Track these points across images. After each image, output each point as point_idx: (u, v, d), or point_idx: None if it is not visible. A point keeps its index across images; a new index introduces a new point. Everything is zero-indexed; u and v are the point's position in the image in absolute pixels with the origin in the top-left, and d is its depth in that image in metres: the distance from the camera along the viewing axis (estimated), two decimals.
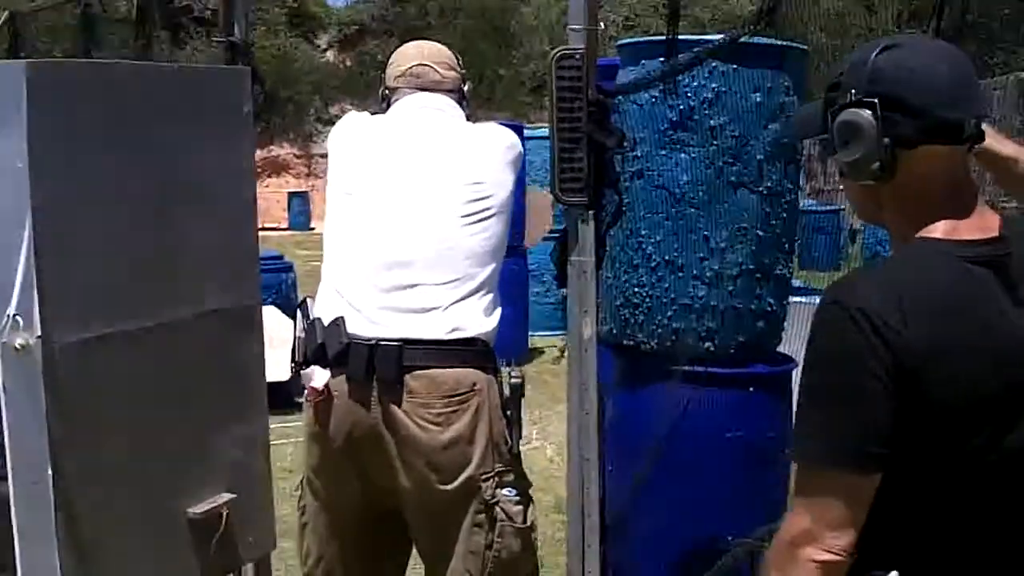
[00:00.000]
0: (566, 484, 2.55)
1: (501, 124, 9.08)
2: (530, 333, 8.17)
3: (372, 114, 2.51)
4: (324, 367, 2.28)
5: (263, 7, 22.41)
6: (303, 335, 2.33)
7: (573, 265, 2.44)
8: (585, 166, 2.39)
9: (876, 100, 1.33)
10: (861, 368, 1.29)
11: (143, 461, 2.13)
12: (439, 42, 2.66)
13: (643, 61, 2.85)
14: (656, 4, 25.07)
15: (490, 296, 2.29)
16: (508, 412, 2.28)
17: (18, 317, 1.90)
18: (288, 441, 4.93)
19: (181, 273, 2.23)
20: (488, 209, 2.29)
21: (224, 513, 2.24)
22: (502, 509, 2.26)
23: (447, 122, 2.40)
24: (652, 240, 2.82)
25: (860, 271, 1.88)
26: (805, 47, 2.91)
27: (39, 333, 1.91)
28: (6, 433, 1.94)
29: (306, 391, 2.33)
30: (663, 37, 2.71)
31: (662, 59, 2.74)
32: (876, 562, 1.35)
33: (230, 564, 2.40)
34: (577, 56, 2.35)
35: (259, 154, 24.35)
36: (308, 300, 2.38)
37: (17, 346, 1.90)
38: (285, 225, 20.90)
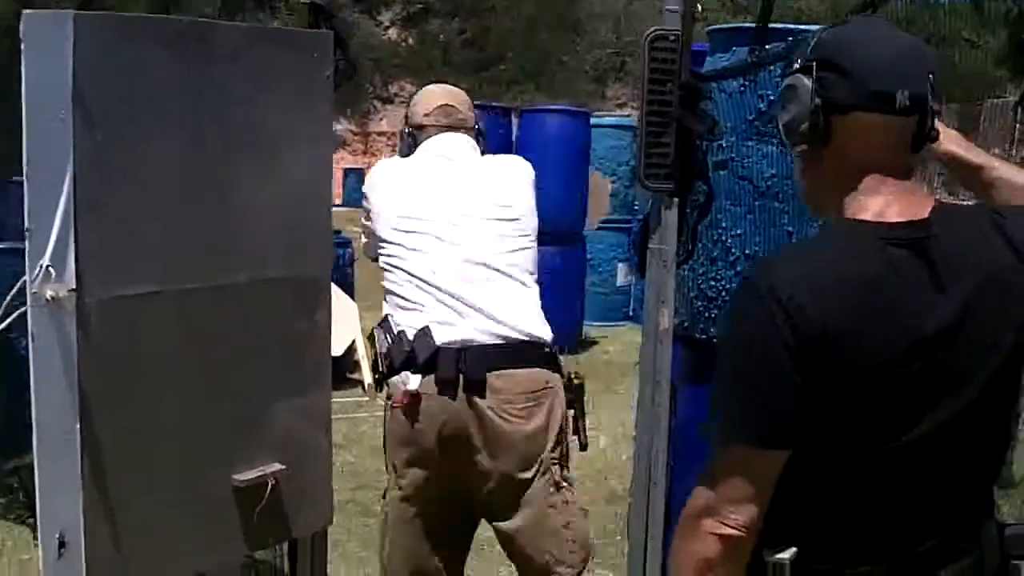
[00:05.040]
0: (633, 477, 2.48)
1: (567, 108, 9.08)
2: (585, 323, 8.10)
3: (403, 156, 2.78)
4: (414, 373, 2.50)
5: None
6: (385, 349, 2.55)
7: (653, 253, 2.36)
8: (672, 152, 2.31)
9: (813, 63, 1.36)
10: (766, 346, 1.29)
11: (185, 424, 2.12)
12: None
13: (734, 48, 2.77)
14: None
15: (540, 304, 2.60)
16: (573, 408, 2.63)
17: (51, 268, 1.88)
18: (338, 417, 4.89)
19: (241, 237, 2.20)
20: (528, 234, 2.63)
21: (270, 483, 2.22)
22: (566, 492, 2.60)
23: (479, 158, 2.72)
24: (733, 233, 2.76)
25: (782, 250, 1.88)
26: None
27: (72, 286, 1.89)
28: (32, 382, 1.94)
29: (392, 397, 2.55)
30: (756, 24, 2.62)
31: (753, 47, 2.65)
32: (779, 538, 1.36)
33: (280, 536, 2.39)
34: (671, 37, 2.27)
35: None
36: (389, 317, 2.59)
37: (48, 297, 1.88)
38: (339, 201, 21.02)
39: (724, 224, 2.76)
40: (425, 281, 2.54)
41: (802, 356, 1.28)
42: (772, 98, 2.66)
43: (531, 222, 2.64)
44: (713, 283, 2.80)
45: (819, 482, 1.36)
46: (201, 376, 2.16)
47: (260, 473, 2.22)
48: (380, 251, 2.66)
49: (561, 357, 6.16)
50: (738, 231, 2.75)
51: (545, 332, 2.55)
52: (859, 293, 1.30)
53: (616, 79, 22.67)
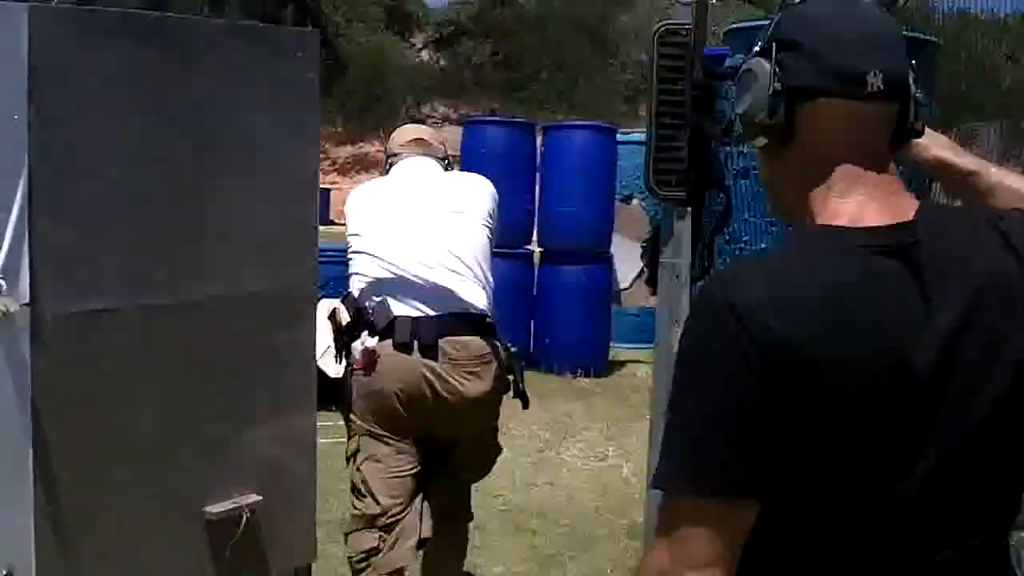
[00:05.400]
0: (645, 509, 2.28)
1: (592, 124, 8.94)
2: (612, 345, 7.88)
3: (380, 176, 3.28)
4: (371, 337, 2.80)
5: (361, 4, 22.57)
6: (347, 322, 2.84)
7: (664, 267, 2.17)
8: (685, 157, 2.12)
9: (773, 44, 1.18)
10: (727, 374, 1.08)
11: (152, 450, 2.01)
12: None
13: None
14: None
15: (487, 282, 2.95)
16: (512, 373, 2.95)
17: (2, 281, 1.79)
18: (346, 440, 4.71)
19: (215, 247, 2.09)
20: (479, 228, 2.97)
21: (245, 515, 2.10)
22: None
23: (444, 173, 3.17)
24: (755, 247, 2.59)
25: (745, 261, 1.66)
26: (935, 40, 2.64)
27: (26, 300, 1.79)
28: None
29: (355, 362, 2.81)
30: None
31: None
32: None
33: (257, 572, 2.24)
34: (683, 32, 2.09)
35: (348, 150, 24.59)
36: (351, 294, 2.90)
37: None
38: None
39: (746, 237, 2.58)
40: (383, 259, 2.88)
41: (773, 388, 1.07)
42: None
43: (482, 219, 2.99)
44: None
45: (800, 539, 1.14)
46: (170, 398, 2.04)
47: (234, 505, 2.10)
48: (349, 251, 2.98)
49: (586, 380, 6.40)
50: (761, 244, 2.57)
51: (487, 304, 2.92)
52: (835, 311, 1.11)
53: None
